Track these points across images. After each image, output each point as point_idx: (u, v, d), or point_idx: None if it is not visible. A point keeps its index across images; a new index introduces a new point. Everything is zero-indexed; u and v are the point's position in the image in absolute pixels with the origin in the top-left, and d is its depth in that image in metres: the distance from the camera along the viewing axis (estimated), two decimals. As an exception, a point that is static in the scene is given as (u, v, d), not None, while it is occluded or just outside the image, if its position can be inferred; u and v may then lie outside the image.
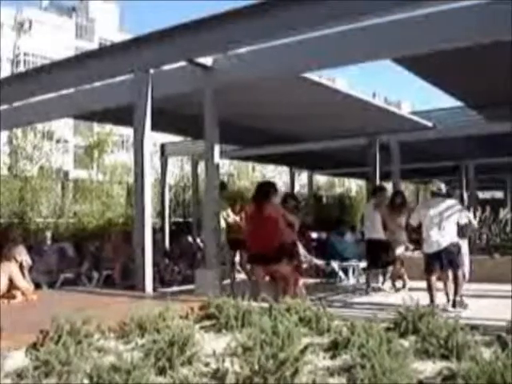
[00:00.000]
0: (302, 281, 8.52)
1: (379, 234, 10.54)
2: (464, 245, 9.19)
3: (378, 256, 10.52)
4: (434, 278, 8.60)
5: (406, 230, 10.42)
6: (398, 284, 10.76)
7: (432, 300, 8.38)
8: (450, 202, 8.87)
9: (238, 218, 10.29)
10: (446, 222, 8.57)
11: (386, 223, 10.52)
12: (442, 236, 8.55)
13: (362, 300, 9.99)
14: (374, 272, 11.00)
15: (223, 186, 10.70)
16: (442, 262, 8.55)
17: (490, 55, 7.15)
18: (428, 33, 6.66)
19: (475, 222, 9.49)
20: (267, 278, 8.13)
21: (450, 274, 8.65)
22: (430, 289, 8.53)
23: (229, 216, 10.23)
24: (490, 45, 6.44)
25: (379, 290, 10.72)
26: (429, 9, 6.46)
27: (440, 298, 8.56)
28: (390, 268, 10.69)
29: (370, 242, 10.80)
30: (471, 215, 9.40)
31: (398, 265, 10.62)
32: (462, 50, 6.78)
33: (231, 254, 10.66)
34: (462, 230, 8.94)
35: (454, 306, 8.41)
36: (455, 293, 8.53)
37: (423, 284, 8.68)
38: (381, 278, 10.95)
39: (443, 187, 9.00)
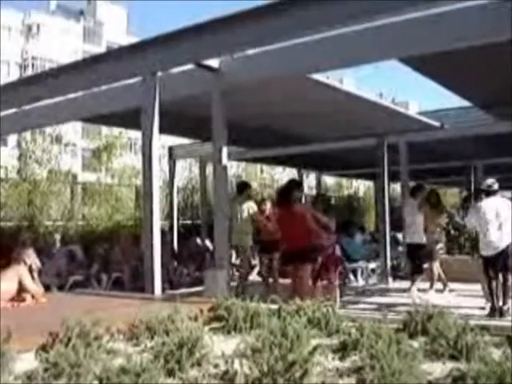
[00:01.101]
0: (336, 283, 8.56)
1: (422, 237, 10.25)
2: None
3: (421, 261, 10.23)
4: (494, 283, 8.23)
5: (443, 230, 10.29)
6: (437, 286, 10.58)
7: (493, 305, 8.13)
8: (506, 200, 8.55)
9: (262, 218, 10.06)
10: (505, 222, 8.19)
11: (427, 224, 10.26)
12: (501, 237, 8.18)
13: (372, 300, 9.98)
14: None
15: (246, 185, 10.63)
16: (497, 264, 8.18)
17: (497, 54, 7.12)
18: (435, 32, 6.65)
19: None
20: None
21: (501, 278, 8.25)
22: (491, 293, 8.22)
23: (256, 216, 10.00)
24: (498, 44, 6.42)
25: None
26: (437, 9, 6.45)
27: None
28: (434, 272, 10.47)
29: (411, 246, 10.46)
30: None
31: (437, 265, 10.44)
32: (469, 50, 6.76)
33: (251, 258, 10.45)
34: None
35: (501, 314, 8.04)
36: (504, 300, 8.15)
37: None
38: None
39: (492, 183, 8.63)
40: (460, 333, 4.24)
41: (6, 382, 3.68)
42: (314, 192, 21.46)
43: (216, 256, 8.37)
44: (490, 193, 8.53)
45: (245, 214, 9.80)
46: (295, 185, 8.61)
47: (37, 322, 5.53)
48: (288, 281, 8.56)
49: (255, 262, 11.37)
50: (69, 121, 14.08)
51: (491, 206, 8.36)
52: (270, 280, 10.23)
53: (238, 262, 10.14)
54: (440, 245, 10.57)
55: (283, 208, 8.28)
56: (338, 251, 9.13)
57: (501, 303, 8.17)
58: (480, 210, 8.50)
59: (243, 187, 10.33)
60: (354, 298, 10.49)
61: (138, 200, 16.93)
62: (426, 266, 10.47)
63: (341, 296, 8.99)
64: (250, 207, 9.89)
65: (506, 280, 8.15)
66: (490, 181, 8.70)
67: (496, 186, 8.59)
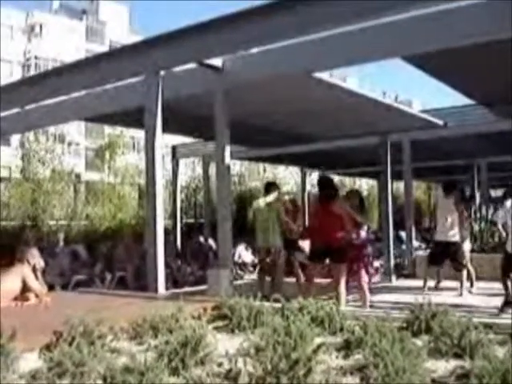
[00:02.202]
0: (366, 282, 8.53)
1: (457, 235, 10.06)
2: None
3: (454, 259, 10.05)
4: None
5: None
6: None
7: (508, 298, 8.21)
8: None
9: (287, 219, 9.96)
10: None
11: (460, 221, 10.04)
12: None
13: (376, 299, 9.97)
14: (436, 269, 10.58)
15: (274, 185, 10.38)
16: None
17: (501, 52, 7.11)
18: (438, 30, 6.63)
19: None
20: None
21: None
22: (507, 288, 8.29)
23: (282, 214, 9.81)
24: (501, 41, 6.40)
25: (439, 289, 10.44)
26: (440, 6, 6.43)
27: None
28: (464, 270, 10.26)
29: (444, 245, 10.15)
30: None
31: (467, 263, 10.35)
32: (472, 48, 6.74)
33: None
34: None
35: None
36: None
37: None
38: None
39: None
40: (464, 331, 4.25)
41: (11, 380, 3.69)
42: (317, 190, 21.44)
43: (219, 255, 8.37)
44: None
45: (269, 200, 9.65)
46: (328, 182, 8.62)
47: (41, 321, 5.55)
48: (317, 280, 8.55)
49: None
50: (72, 120, 14.13)
51: None
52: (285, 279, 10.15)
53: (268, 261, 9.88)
54: (468, 244, 10.47)
55: (323, 205, 8.26)
56: (370, 249, 9.03)
57: None
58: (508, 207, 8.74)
59: (271, 188, 10.00)
60: (358, 297, 10.47)
61: (141, 199, 16.94)
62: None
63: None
64: (272, 196, 9.77)
65: None
66: None
67: None
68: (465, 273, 10.18)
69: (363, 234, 8.68)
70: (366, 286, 8.53)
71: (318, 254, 8.19)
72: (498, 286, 8.78)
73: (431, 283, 10.50)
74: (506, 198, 9.78)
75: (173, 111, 8.75)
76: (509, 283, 8.31)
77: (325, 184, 8.57)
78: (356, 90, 10.22)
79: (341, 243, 7.97)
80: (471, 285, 10.37)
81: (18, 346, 4.05)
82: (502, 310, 8.13)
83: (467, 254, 10.34)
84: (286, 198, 10.24)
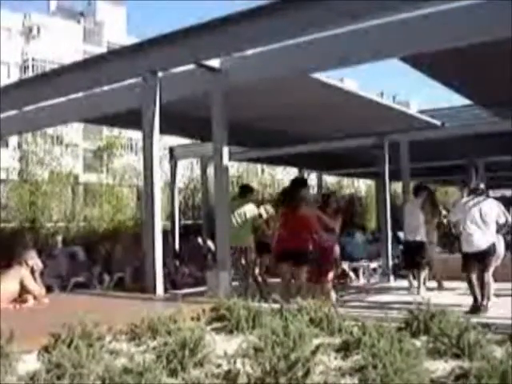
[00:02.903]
0: (330, 285, 8.56)
1: (422, 235, 10.44)
2: (501, 244, 9.11)
3: (421, 257, 10.41)
4: (474, 277, 8.45)
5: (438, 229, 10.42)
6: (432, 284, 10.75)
7: (476, 299, 8.34)
8: (491, 200, 8.81)
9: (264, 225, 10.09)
10: (488, 222, 8.48)
11: (426, 224, 10.42)
12: (484, 236, 8.46)
13: (374, 299, 9.98)
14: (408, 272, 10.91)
15: (250, 189, 10.65)
16: (479, 262, 8.46)
17: (498, 52, 7.12)
18: (436, 31, 6.64)
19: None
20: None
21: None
22: (472, 288, 8.45)
23: (257, 218, 10.00)
24: (498, 42, 6.41)
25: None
26: (438, 7, 6.45)
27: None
28: (426, 269, 10.62)
29: (410, 244, 10.67)
30: (508, 214, 8.94)
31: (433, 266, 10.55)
32: (470, 48, 6.75)
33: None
34: (500, 229, 8.82)
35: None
36: (483, 297, 8.37)
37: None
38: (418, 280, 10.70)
39: (482, 186, 9.02)
40: (462, 331, 4.25)
41: (9, 383, 3.68)
42: (314, 191, 21.47)
43: (218, 256, 8.37)
44: (477, 193, 8.85)
45: (248, 216, 9.78)
46: (300, 183, 8.63)
47: (39, 322, 5.54)
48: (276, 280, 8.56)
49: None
50: (70, 122, 14.11)
51: (476, 205, 8.64)
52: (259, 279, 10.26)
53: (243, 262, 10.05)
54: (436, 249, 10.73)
55: (288, 208, 8.27)
56: (337, 252, 9.11)
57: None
58: (463, 207, 8.83)
59: (246, 191, 10.33)
60: (356, 297, 10.48)
61: (139, 200, 16.92)
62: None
63: (339, 296, 8.99)
64: (251, 210, 9.89)
65: (483, 277, 8.43)
66: (480, 184, 9.22)
67: (483, 189, 9.00)
68: (424, 273, 10.56)
69: (331, 237, 8.70)
70: (330, 287, 8.58)
71: (284, 257, 8.19)
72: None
73: (431, 283, 10.59)
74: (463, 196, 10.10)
75: (170, 112, 8.74)
76: (474, 282, 8.43)
77: (293, 186, 8.54)
78: (353, 90, 10.23)
79: (304, 246, 7.96)
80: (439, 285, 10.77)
81: (16, 347, 4.05)
82: (470, 311, 8.11)
83: (434, 255, 10.70)
84: (268, 209, 10.21)
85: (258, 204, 10.56)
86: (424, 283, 10.64)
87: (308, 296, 7.27)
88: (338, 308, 5.46)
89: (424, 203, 10.48)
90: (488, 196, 9.28)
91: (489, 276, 8.53)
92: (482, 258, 8.43)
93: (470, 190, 9.15)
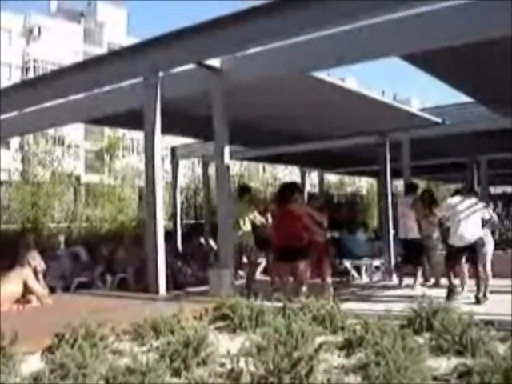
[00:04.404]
0: (329, 280, 8.68)
1: (415, 232, 10.61)
2: (489, 239, 9.38)
3: (418, 254, 10.58)
4: (456, 268, 8.94)
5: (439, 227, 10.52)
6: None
7: (451, 290, 8.73)
8: (474, 199, 9.22)
9: (263, 220, 10.25)
10: (473, 217, 8.88)
11: (420, 221, 10.57)
12: (471, 230, 8.81)
13: (377, 297, 9.97)
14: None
15: (247, 188, 10.77)
16: (469, 255, 8.85)
17: (499, 49, 7.11)
18: (436, 29, 6.64)
19: (496, 218, 9.64)
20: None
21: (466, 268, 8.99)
22: (449, 278, 8.88)
23: (256, 217, 10.17)
24: (499, 39, 6.41)
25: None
26: (437, 5, 6.45)
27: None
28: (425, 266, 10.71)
29: (407, 242, 10.87)
30: (492, 212, 9.59)
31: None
32: (471, 46, 6.75)
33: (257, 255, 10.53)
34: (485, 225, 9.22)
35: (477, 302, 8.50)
36: (478, 288, 8.63)
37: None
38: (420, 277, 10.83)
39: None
40: (465, 328, 4.25)
41: (13, 383, 3.69)
42: (317, 189, 21.48)
43: (220, 255, 8.38)
44: (462, 193, 9.38)
45: (249, 217, 9.96)
46: (295, 187, 8.73)
47: (42, 323, 5.55)
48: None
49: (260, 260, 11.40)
50: (71, 123, 14.10)
51: (462, 202, 9.09)
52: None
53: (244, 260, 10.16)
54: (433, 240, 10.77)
55: (281, 206, 8.35)
56: (332, 249, 9.24)
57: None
58: (450, 204, 9.25)
59: (244, 191, 10.44)
60: (359, 295, 10.47)
61: (141, 200, 16.92)
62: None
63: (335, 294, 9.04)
64: (250, 210, 10.10)
65: (477, 270, 8.76)
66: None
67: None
68: (420, 269, 10.68)
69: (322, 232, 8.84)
70: (329, 281, 8.69)
71: (284, 254, 8.25)
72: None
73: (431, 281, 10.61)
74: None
75: (172, 112, 8.75)
76: (451, 275, 8.90)
77: (289, 188, 8.65)
78: (354, 89, 10.23)
79: (301, 242, 8.05)
80: (425, 280, 10.83)
81: (19, 348, 4.06)
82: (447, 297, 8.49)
83: (433, 251, 10.76)
84: (259, 219, 10.36)
85: (256, 204, 10.69)
86: (427, 280, 10.68)
87: (309, 292, 7.41)
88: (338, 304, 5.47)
89: (415, 202, 10.59)
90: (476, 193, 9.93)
91: (486, 270, 8.92)
92: (471, 251, 8.81)
93: (456, 191, 9.65)
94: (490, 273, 8.99)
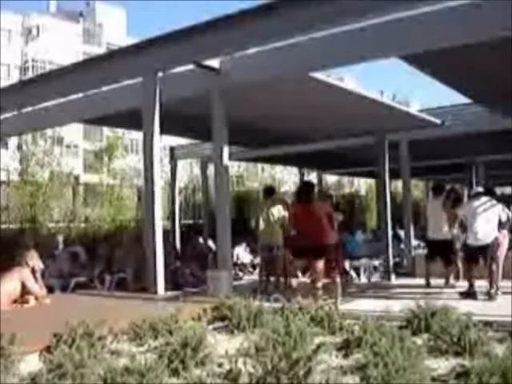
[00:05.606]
0: (338, 279, 8.71)
1: (446, 233, 10.51)
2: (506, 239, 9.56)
3: (449, 255, 10.49)
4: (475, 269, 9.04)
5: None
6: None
7: (472, 287, 8.89)
8: (493, 200, 9.37)
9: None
10: (492, 218, 9.08)
11: (450, 221, 10.47)
12: (489, 231, 9.00)
13: (375, 298, 9.96)
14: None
15: (272, 190, 10.94)
16: (485, 255, 9.01)
17: (498, 51, 7.11)
18: (434, 30, 6.64)
19: None
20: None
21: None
22: (470, 279, 9.00)
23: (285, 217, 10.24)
24: (498, 40, 6.41)
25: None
26: (437, 6, 6.45)
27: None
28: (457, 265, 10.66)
29: (434, 242, 10.66)
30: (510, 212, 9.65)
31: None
32: (469, 47, 6.75)
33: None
34: (501, 226, 9.36)
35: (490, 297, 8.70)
36: (491, 284, 8.84)
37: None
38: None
39: (480, 189, 9.93)
40: (463, 329, 4.25)
41: (11, 383, 3.69)
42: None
43: (219, 256, 8.37)
44: (480, 195, 9.57)
45: (276, 216, 10.09)
46: (314, 186, 8.87)
47: (40, 323, 5.54)
48: None
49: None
50: (70, 122, 14.07)
51: (481, 203, 9.28)
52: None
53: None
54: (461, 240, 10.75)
55: (302, 205, 8.39)
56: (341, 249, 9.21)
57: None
58: (470, 204, 9.53)
59: (271, 191, 10.72)
60: (357, 296, 10.46)
61: (140, 200, 16.92)
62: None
63: (343, 294, 9.04)
64: (279, 210, 10.19)
65: (491, 268, 8.98)
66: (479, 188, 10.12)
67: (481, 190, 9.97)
68: (452, 269, 10.55)
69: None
70: (339, 281, 8.71)
71: (303, 252, 8.29)
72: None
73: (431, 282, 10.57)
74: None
75: (171, 112, 8.74)
76: (471, 276, 9.02)
77: (305, 187, 8.73)
78: (353, 89, 10.21)
79: (324, 242, 8.11)
80: (457, 279, 10.64)
81: (18, 348, 4.05)
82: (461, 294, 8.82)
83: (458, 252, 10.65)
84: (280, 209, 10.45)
85: (282, 203, 10.78)
86: (458, 279, 10.59)
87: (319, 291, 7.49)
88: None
89: (445, 202, 10.55)
90: (490, 194, 9.74)
91: (497, 266, 9.07)
92: (488, 250, 8.99)
93: (471, 196, 9.84)
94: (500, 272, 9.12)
